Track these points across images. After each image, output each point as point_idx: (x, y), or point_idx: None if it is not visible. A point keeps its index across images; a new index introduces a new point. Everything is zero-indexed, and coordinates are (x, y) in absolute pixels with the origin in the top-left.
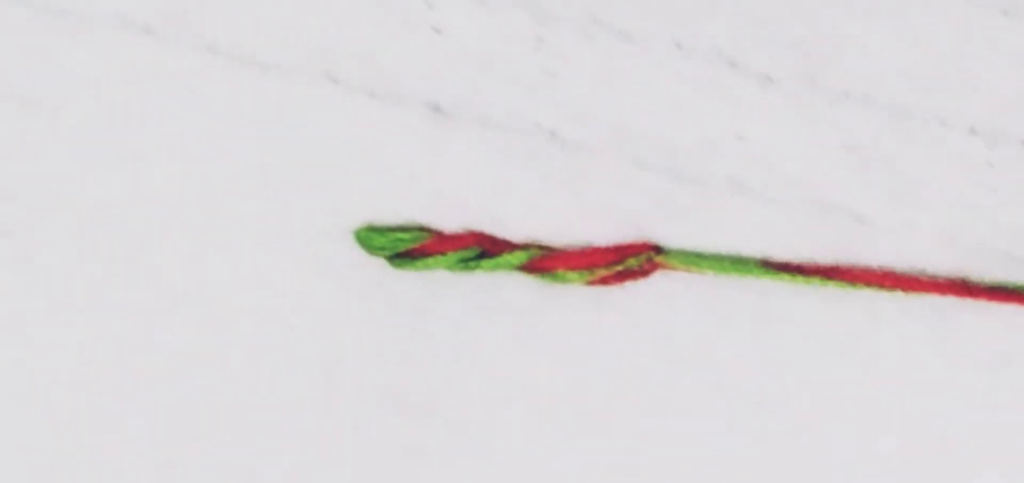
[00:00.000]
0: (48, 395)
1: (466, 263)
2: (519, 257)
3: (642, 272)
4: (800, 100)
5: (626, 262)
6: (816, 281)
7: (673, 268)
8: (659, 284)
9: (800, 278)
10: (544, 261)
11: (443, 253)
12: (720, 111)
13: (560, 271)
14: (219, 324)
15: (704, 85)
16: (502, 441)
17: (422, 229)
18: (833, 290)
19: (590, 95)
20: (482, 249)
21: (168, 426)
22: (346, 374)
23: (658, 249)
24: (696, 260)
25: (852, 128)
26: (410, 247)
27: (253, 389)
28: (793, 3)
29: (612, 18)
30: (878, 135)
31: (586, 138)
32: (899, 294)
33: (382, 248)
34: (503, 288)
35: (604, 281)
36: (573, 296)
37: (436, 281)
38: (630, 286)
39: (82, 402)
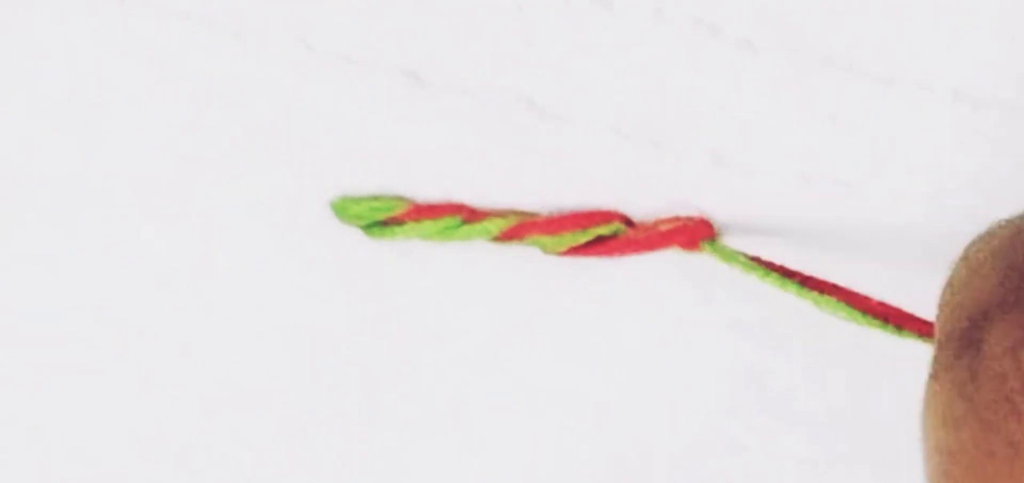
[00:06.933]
0: (13, 371)
1: (443, 232)
2: (497, 224)
3: (615, 247)
4: (782, 67)
5: (590, 232)
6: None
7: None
8: (642, 258)
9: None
10: (514, 230)
11: (420, 222)
12: (700, 78)
13: (527, 238)
14: (191, 294)
15: (684, 52)
16: (480, 418)
17: (399, 198)
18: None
19: (569, 63)
20: (460, 218)
21: (137, 400)
22: (321, 347)
23: (628, 221)
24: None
25: (834, 95)
26: (386, 216)
27: (226, 359)
28: None
29: None
30: (860, 102)
31: (565, 107)
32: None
33: (358, 217)
34: (482, 261)
35: (574, 251)
36: (554, 270)
37: (413, 254)
38: (613, 258)
39: (46, 376)
